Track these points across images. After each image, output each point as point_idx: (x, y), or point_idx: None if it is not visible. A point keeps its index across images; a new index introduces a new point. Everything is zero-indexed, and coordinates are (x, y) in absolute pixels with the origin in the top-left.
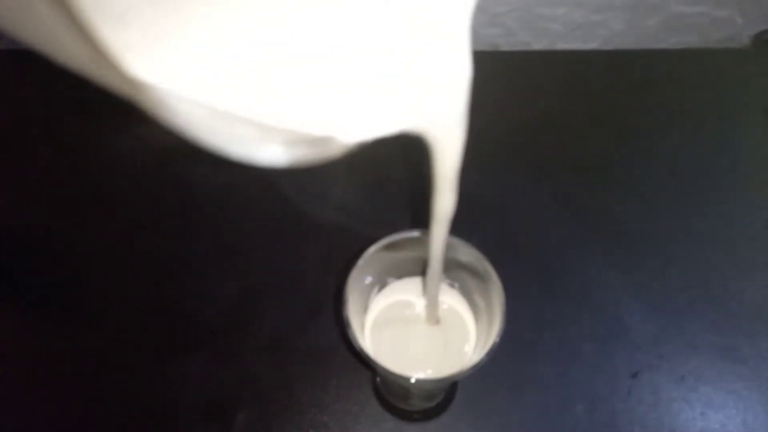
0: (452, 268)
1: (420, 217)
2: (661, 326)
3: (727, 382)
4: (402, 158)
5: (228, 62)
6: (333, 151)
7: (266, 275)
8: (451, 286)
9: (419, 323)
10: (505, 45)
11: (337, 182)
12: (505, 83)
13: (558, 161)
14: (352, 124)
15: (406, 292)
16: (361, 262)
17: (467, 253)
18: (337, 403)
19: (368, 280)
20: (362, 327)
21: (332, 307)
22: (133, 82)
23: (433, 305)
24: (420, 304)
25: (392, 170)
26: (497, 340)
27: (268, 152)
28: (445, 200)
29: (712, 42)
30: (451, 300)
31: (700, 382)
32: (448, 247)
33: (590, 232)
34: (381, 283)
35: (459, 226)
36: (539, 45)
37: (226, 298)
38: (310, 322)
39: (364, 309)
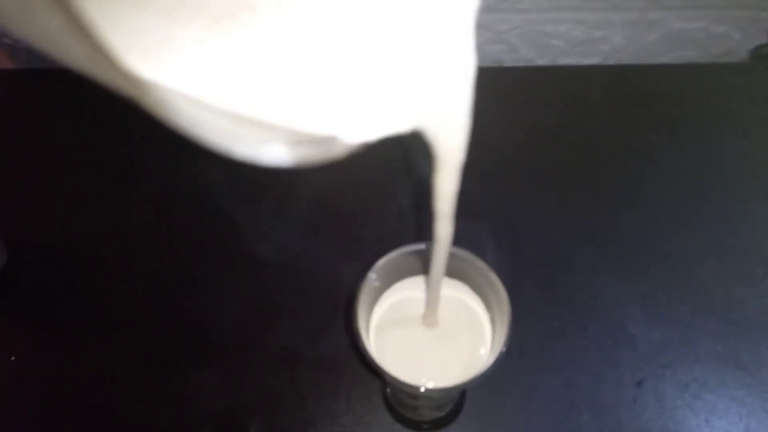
0: (464, 270)
1: (425, 228)
2: (665, 335)
3: (730, 390)
4: (409, 173)
5: (231, 61)
6: (337, 151)
7: (278, 288)
8: (464, 284)
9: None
10: (509, 61)
11: (346, 195)
12: (509, 98)
13: (562, 174)
14: (355, 124)
15: (412, 290)
16: (372, 274)
17: (474, 265)
18: (347, 414)
19: (376, 285)
20: (368, 330)
21: (343, 319)
22: (135, 81)
23: (432, 306)
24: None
25: (399, 184)
26: (504, 349)
27: (272, 152)
28: (447, 203)
29: (710, 56)
30: (468, 299)
31: (704, 390)
32: (458, 258)
33: (595, 243)
34: (387, 286)
35: (466, 238)
36: (542, 61)
37: (238, 310)
38: (321, 333)
39: (371, 313)
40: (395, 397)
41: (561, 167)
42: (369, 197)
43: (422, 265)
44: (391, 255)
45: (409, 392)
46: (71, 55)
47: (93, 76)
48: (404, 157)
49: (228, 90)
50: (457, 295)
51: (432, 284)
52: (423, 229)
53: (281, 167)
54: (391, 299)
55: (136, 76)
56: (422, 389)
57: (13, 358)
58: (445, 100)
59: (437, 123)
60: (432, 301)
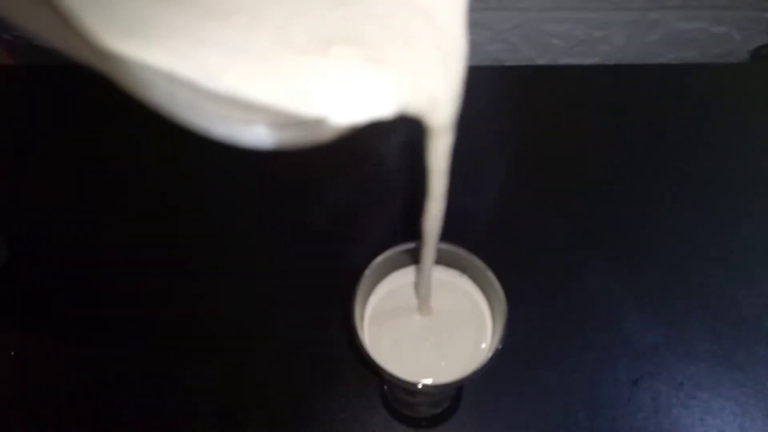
0: (464, 265)
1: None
2: (661, 334)
3: (725, 389)
4: (409, 171)
5: (209, 37)
6: (324, 133)
7: (276, 285)
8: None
9: (424, 318)
10: (510, 60)
11: (344, 191)
12: (509, 98)
13: (560, 173)
14: (344, 104)
15: (408, 279)
16: (368, 272)
17: (472, 263)
18: (345, 411)
19: (372, 280)
20: (365, 325)
21: (341, 315)
22: (102, 54)
23: (425, 294)
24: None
25: (399, 182)
26: (499, 346)
27: (254, 133)
28: (438, 183)
29: (711, 57)
30: (471, 290)
31: (699, 389)
32: (457, 255)
33: (592, 243)
34: (382, 276)
35: (464, 237)
36: (543, 60)
37: (237, 307)
38: (319, 330)
39: (366, 306)
40: (392, 393)
41: (560, 167)
42: (368, 195)
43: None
44: (388, 253)
45: (406, 388)
46: (39, 26)
47: (61, 47)
48: (405, 154)
49: (211, 69)
50: (460, 284)
51: (423, 273)
52: (421, 228)
53: (263, 149)
54: (387, 288)
55: (112, 52)
56: (419, 385)
57: (12, 353)
58: (435, 83)
59: (427, 104)
60: (424, 289)
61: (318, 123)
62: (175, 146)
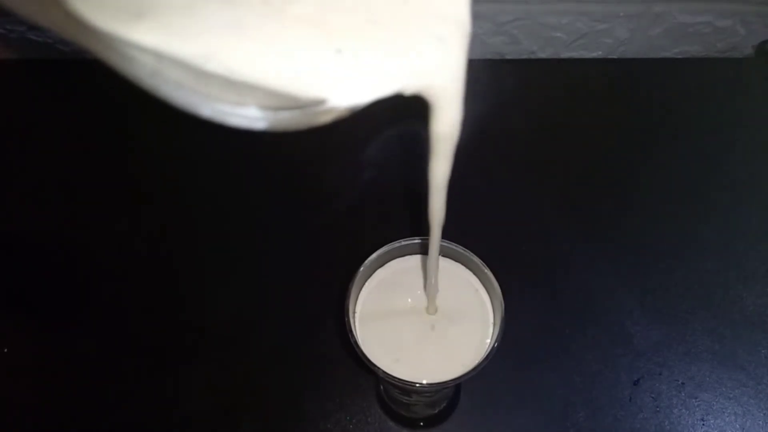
0: (461, 260)
1: (421, 224)
2: (662, 334)
3: (726, 389)
4: (403, 163)
5: (209, 17)
6: (323, 116)
7: (271, 284)
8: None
9: (423, 312)
10: (511, 53)
11: (341, 190)
12: (510, 92)
13: (562, 169)
14: (344, 85)
15: (402, 267)
16: (362, 269)
17: (470, 260)
18: (340, 412)
19: (365, 276)
20: (360, 321)
21: (335, 314)
22: (76, 19)
23: (432, 292)
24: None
25: (397, 179)
26: (496, 344)
27: (246, 114)
28: (442, 166)
29: (715, 51)
30: (476, 283)
31: (700, 389)
32: (456, 252)
33: (593, 240)
34: (375, 269)
35: (463, 234)
36: (544, 53)
37: (230, 307)
38: (314, 330)
39: (358, 299)
40: (388, 393)
41: (561, 162)
42: (365, 192)
43: (413, 254)
44: (383, 249)
45: (401, 388)
46: (31, 7)
47: (37, 18)
48: (403, 152)
49: (209, 50)
50: (459, 273)
51: (430, 269)
52: (418, 226)
53: (255, 130)
54: (380, 278)
55: (99, 30)
56: (417, 385)
57: (5, 350)
58: (439, 59)
59: (432, 82)
60: (431, 286)
61: (316, 105)
62: (168, 142)
